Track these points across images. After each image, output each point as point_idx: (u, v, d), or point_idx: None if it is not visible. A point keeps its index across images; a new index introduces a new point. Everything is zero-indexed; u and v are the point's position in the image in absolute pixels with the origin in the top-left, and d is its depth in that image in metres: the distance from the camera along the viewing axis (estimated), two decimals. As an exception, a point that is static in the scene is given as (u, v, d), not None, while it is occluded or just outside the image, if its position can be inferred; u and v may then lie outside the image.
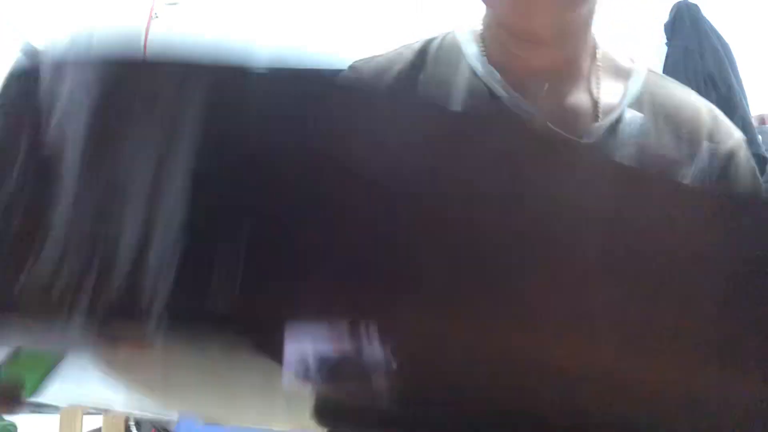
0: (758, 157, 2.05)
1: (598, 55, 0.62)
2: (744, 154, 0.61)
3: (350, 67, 0.63)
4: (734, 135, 0.61)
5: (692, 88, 0.67)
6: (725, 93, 2.09)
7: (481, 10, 0.63)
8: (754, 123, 2.15)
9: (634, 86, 0.61)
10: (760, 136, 2.10)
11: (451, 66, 0.62)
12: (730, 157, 0.60)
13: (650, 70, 0.64)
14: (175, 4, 2.40)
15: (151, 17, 2.34)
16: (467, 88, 0.60)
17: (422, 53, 0.63)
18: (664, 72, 1.68)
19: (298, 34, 2.28)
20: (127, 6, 2.27)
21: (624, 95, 0.61)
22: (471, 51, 0.62)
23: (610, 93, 0.61)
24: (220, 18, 2.31)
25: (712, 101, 0.66)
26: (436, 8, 2.26)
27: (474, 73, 0.60)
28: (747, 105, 2.14)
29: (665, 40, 2.31)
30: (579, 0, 0.56)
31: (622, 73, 0.63)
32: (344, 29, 2.31)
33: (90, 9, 2.24)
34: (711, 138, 0.60)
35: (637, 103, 0.60)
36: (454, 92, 0.60)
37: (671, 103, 0.61)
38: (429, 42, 0.64)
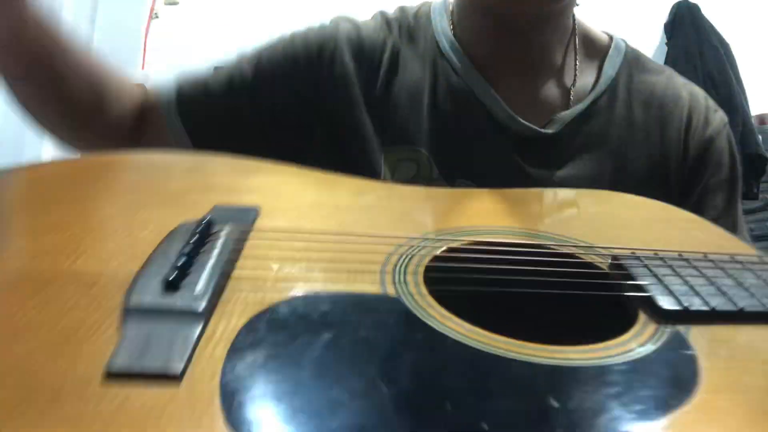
0: (759, 158, 2.03)
1: (575, 37, 0.60)
2: (724, 138, 0.60)
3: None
4: (713, 122, 0.60)
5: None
6: (725, 93, 2.07)
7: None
8: (754, 123, 2.13)
9: (611, 69, 0.60)
10: (760, 136, 2.08)
11: (419, 38, 0.60)
12: (709, 143, 0.59)
13: (629, 49, 0.62)
14: (175, 4, 2.40)
15: (151, 17, 2.34)
16: (431, 62, 0.59)
17: (393, 22, 0.61)
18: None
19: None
20: (128, 5, 2.28)
21: (597, 80, 0.59)
22: (441, 26, 0.61)
23: (584, 77, 0.60)
24: (220, 18, 2.31)
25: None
26: None
27: (439, 49, 0.59)
28: (747, 105, 2.12)
29: (665, 40, 2.30)
30: None
31: (599, 54, 0.61)
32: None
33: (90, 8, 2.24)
34: (690, 124, 0.59)
35: (611, 89, 0.59)
36: (417, 66, 0.59)
37: (648, 87, 0.60)
38: (403, 11, 0.63)
